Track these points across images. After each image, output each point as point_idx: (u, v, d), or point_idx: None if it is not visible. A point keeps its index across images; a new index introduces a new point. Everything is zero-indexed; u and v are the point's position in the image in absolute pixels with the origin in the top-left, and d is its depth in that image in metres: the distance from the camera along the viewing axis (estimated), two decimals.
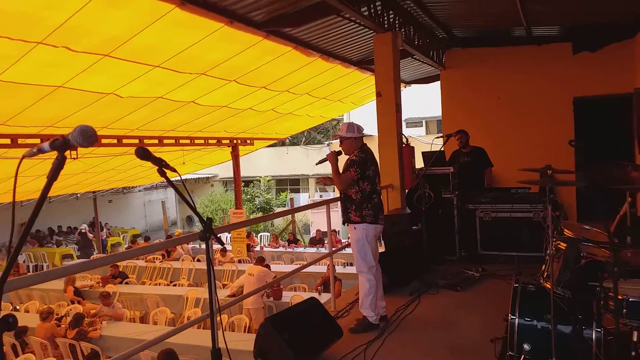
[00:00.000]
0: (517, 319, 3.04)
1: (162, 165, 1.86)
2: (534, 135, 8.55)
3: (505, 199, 6.12)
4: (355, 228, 4.12)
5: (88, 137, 1.30)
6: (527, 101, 8.87)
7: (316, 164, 4.82)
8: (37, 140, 8.43)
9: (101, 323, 7.55)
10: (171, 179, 2.02)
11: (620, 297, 2.60)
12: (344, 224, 4.31)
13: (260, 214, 22.12)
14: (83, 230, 17.97)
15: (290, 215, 18.19)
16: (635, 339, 2.64)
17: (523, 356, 2.96)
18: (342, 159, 4.28)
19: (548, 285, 2.99)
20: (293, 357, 3.19)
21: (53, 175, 1.28)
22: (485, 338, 3.71)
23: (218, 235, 2.12)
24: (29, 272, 14.55)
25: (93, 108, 7.67)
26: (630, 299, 2.61)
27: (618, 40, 8.13)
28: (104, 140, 9.45)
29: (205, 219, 2.02)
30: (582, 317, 2.88)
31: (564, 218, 6.52)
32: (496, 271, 5.52)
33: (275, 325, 3.29)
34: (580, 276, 2.92)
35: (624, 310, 2.59)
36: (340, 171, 4.22)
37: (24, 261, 16.43)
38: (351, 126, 4.21)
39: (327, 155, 4.36)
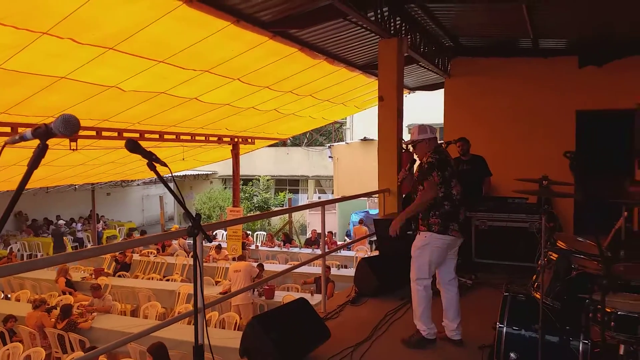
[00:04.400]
0: (505, 328, 3.03)
1: (152, 159, 1.86)
2: (535, 147, 8.55)
3: (502, 208, 6.12)
4: (419, 233, 3.79)
5: (70, 125, 1.29)
6: (530, 112, 8.88)
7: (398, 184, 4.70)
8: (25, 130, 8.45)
9: (92, 315, 7.54)
10: (162, 175, 2.02)
11: (608, 310, 2.59)
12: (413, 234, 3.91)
13: (257, 213, 22.12)
14: (59, 225, 18.00)
15: (287, 215, 18.20)
16: (621, 352, 2.63)
17: None
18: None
19: (538, 296, 2.98)
20: (279, 357, 3.18)
21: (34, 163, 1.27)
22: (474, 345, 3.71)
23: (211, 232, 2.12)
24: (22, 260, 14.55)
25: (95, 100, 7.67)
26: (618, 312, 2.60)
27: (624, 56, 8.14)
28: (104, 133, 9.46)
29: (194, 215, 2.02)
30: (570, 328, 2.87)
31: (559, 230, 6.51)
32: (489, 280, 5.51)
33: (262, 324, 3.28)
34: (570, 288, 2.91)
35: (612, 323, 2.58)
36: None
37: (18, 250, 16.43)
38: (423, 128, 3.87)
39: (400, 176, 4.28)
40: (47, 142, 1.29)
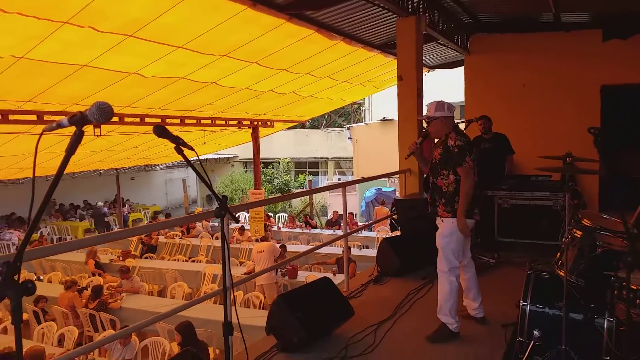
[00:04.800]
0: (528, 306, 3.05)
1: (179, 144, 1.91)
2: (559, 123, 8.39)
3: (525, 186, 6.06)
4: (443, 221, 3.58)
5: (105, 113, 1.34)
6: (553, 89, 8.68)
7: (406, 158, 4.37)
8: (62, 117, 8.62)
9: (121, 295, 7.78)
10: (189, 158, 2.08)
11: (634, 287, 2.58)
12: (433, 217, 3.72)
13: (278, 195, 22.29)
14: (99, 206, 18.53)
15: (307, 197, 18.29)
16: None
17: (533, 342, 2.97)
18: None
19: (562, 273, 2.98)
20: (304, 334, 3.26)
21: (71, 149, 1.33)
22: (497, 323, 3.73)
23: (235, 214, 2.17)
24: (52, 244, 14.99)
25: (116, 87, 7.79)
26: None
27: None
28: (127, 119, 9.61)
29: (220, 197, 2.07)
30: (595, 306, 2.87)
31: (583, 207, 6.43)
32: (512, 258, 5.50)
33: (287, 303, 3.35)
34: (595, 265, 2.90)
35: (638, 300, 2.58)
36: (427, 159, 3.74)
37: (48, 234, 16.94)
38: (440, 104, 3.62)
39: (410, 148, 3.80)
40: (82, 129, 1.34)
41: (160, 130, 1.87)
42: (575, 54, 8.45)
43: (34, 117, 8.22)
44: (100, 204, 19.53)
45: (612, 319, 2.85)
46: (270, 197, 18.58)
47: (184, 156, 1.95)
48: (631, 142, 7.40)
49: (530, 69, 8.84)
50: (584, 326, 2.89)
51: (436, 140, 3.77)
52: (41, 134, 1.41)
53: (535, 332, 2.99)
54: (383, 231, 12.67)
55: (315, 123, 26.01)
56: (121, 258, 10.81)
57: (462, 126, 6.41)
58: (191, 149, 1.95)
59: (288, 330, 3.33)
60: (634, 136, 7.48)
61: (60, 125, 1.38)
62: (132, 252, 11.56)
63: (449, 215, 3.53)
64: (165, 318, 2.98)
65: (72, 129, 1.37)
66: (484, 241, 6.15)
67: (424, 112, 3.73)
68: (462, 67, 9.93)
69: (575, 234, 3.02)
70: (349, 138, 21.10)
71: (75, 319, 7.48)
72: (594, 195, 8.02)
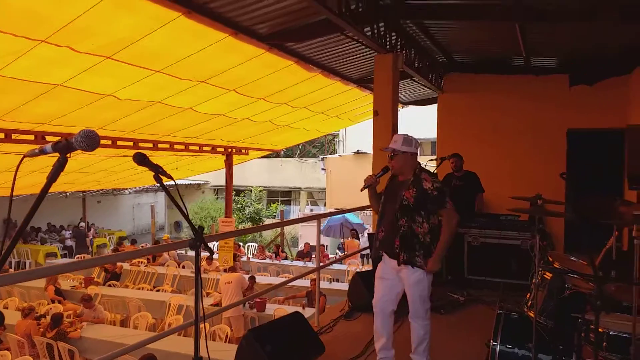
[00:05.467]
0: (498, 345, 3.06)
1: (158, 172, 1.89)
2: (526, 164, 8.64)
3: (495, 225, 6.18)
4: (415, 269, 3.38)
5: (92, 141, 1.32)
6: (523, 130, 8.97)
7: (361, 190, 3.77)
8: (32, 137, 8.40)
9: (81, 324, 7.46)
10: (165, 185, 2.04)
11: (601, 330, 2.63)
12: (400, 264, 3.40)
13: (249, 224, 22.06)
14: (81, 227, 18.14)
15: (279, 228, 18.15)
16: None
17: None
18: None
19: (531, 314, 3.01)
20: None
21: (53, 176, 1.30)
22: None
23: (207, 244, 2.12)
24: (10, 268, 14.37)
25: (90, 108, 7.67)
26: (610, 333, 2.63)
27: (615, 75, 8.27)
28: None
29: (197, 227, 2.04)
30: (563, 348, 2.90)
31: (551, 248, 6.58)
32: (481, 297, 5.55)
33: (257, 338, 3.28)
34: (564, 307, 2.95)
35: (604, 343, 2.62)
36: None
37: None
38: (408, 139, 3.41)
39: (366, 181, 3.57)
40: (67, 156, 1.32)
41: (141, 158, 1.85)
42: (543, 97, 8.79)
43: (2, 136, 7.99)
44: (83, 224, 19.49)
45: None
46: (241, 226, 18.40)
47: (162, 185, 1.93)
48: (594, 186, 7.66)
49: (501, 110, 9.13)
50: None
51: (398, 177, 3.51)
52: (22, 159, 1.38)
53: None
54: (354, 264, 12.64)
55: (289, 153, 26.09)
56: (83, 285, 10.42)
57: (434, 163, 6.55)
58: (170, 177, 1.93)
59: None
60: (597, 180, 7.75)
61: (43, 152, 1.36)
62: (95, 279, 11.17)
63: (422, 265, 3.35)
64: (131, 351, 2.86)
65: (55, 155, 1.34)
66: (454, 279, 6.20)
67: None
68: (435, 105, 10.20)
69: (545, 276, 3.07)
70: (322, 169, 21.22)
71: (31, 348, 7.12)
72: (560, 237, 8.23)
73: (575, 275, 2.94)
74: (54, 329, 7.07)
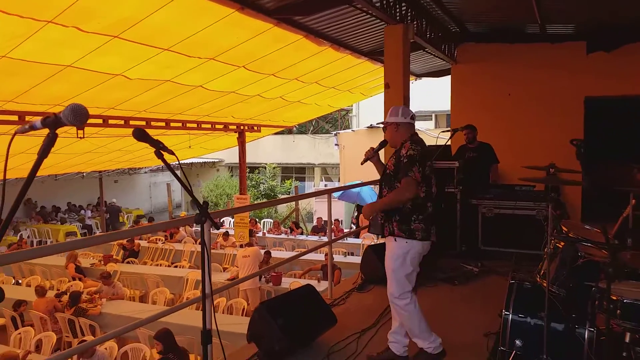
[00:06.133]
0: (510, 315, 3.05)
1: (159, 148, 1.88)
2: (543, 134, 8.48)
3: (509, 195, 6.10)
4: (396, 240, 3.20)
5: (79, 115, 1.30)
6: (537, 99, 8.79)
7: (361, 164, 3.75)
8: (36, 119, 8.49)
9: (101, 300, 7.65)
10: (170, 162, 2.04)
11: (615, 298, 2.59)
12: (383, 236, 3.32)
13: (264, 200, 22.17)
14: (114, 202, 18.87)
15: (294, 203, 18.21)
16: (627, 340, 2.63)
17: (514, 352, 2.97)
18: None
19: (544, 283, 2.99)
20: (286, 342, 3.22)
21: (43, 152, 1.29)
22: (479, 333, 3.73)
23: (219, 219, 2.13)
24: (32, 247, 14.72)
25: (101, 88, 7.69)
26: (624, 300, 2.59)
27: (632, 41, 8.02)
28: (111, 121, 9.49)
29: (201, 202, 2.04)
30: (576, 316, 2.87)
31: (566, 217, 6.49)
32: (495, 267, 5.52)
33: (269, 311, 3.31)
34: (577, 275, 2.91)
35: (618, 311, 2.58)
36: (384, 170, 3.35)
37: (28, 236, 16.65)
38: (395, 110, 3.33)
39: (366, 154, 3.52)
40: (56, 132, 1.30)
41: (140, 134, 1.84)
42: (559, 65, 8.57)
43: (15, 118, 8.07)
44: (114, 200, 20.14)
45: (592, 329, 2.85)
46: (255, 202, 18.51)
47: (164, 160, 1.92)
48: (613, 154, 7.49)
49: (516, 80, 8.94)
50: (565, 336, 2.90)
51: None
52: (13, 136, 1.37)
53: (517, 342, 2.99)
54: (369, 238, 12.67)
55: (302, 129, 26.00)
56: (102, 262, 10.65)
57: (447, 135, 6.46)
58: (172, 153, 1.91)
59: (269, 338, 3.28)
60: (616, 148, 7.58)
61: (33, 127, 1.35)
62: (114, 257, 11.40)
63: (403, 235, 3.17)
64: (143, 325, 2.92)
65: (47, 131, 1.33)
66: (468, 250, 6.18)
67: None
68: (449, 76, 10.01)
69: (557, 245, 3.03)
70: (335, 144, 21.11)
71: (54, 324, 7.33)
72: (576, 207, 8.11)
73: (588, 244, 2.89)
74: (73, 307, 7.26)
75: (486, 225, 6.15)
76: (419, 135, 3.42)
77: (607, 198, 3.83)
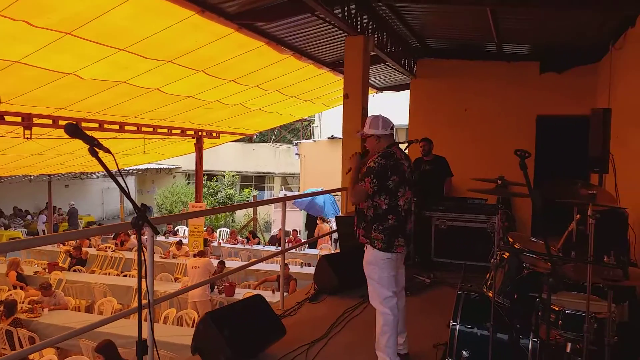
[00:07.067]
0: (458, 326, 3.06)
1: (93, 144, 1.77)
2: (496, 149, 8.69)
3: (462, 208, 6.22)
4: (366, 248, 3.37)
5: None
6: (492, 115, 9.06)
7: (347, 173, 3.74)
8: None
9: (42, 310, 7.26)
10: (110, 163, 1.93)
11: (556, 309, 2.64)
12: (359, 239, 3.47)
13: (215, 207, 21.77)
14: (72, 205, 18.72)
15: (251, 212, 17.98)
16: (568, 350, 2.68)
17: None
18: None
19: (490, 294, 3.01)
20: (231, 354, 3.11)
21: None
22: (429, 343, 3.73)
23: (172, 227, 2.03)
24: None
25: (52, 87, 7.39)
26: (566, 311, 2.65)
27: (583, 63, 8.40)
28: (61, 122, 9.11)
29: (139, 205, 1.94)
30: (520, 327, 2.91)
31: (514, 230, 6.66)
32: (447, 278, 5.58)
33: (215, 321, 3.20)
34: (521, 286, 2.95)
35: (560, 321, 2.63)
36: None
37: None
38: (375, 121, 3.36)
39: (350, 159, 3.58)
40: None
41: (73, 130, 1.73)
42: (514, 83, 8.88)
43: None
44: (72, 203, 19.73)
45: (536, 339, 2.90)
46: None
47: (99, 159, 1.81)
48: (561, 170, 7.77)
49: (472, 96, 9.18)
50: (510, 346, 2.92)
51: None
52: None
53: (464, 353, 3.00)
54: (326, 249, 12.64)
55: (264, 138, 25.83)
56: (47, 270, 10.14)
57: (403, 146, 6.52)
58: (108, 151, 1.82)
59: (215, 349, 3.17)
60: (564, 164, 7.86)
61: None
62: (60, 265, 10.88)
63: (367, 242, 3.33)
64: (79, 335, 2.75)
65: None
66: (421, 261, 6.24)
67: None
68: (409, 91, 10.17)
69: (503, 256, 3.07)
70: (296, 154, 21.08)
71: None
72: (527, 221, 8.35)
73: (532, 255, 2.95)
74: (9, 318, 6.86)
75: (439, 237, 6.23)
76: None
77: (555, 213, 3.93)
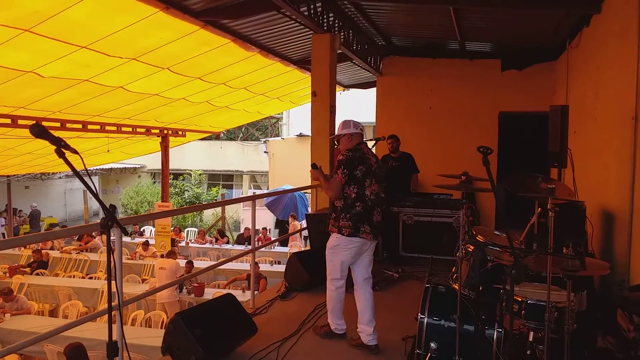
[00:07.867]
0: (426, 318, 3.14)
1: (60, 145, 1.75)
2: (461, 145, 8.90)
3: (428, 203, 6.35)
4: (330, 234, 3.73)
5: None
6: (457, 112, 9.27)
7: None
8: None
9: (3, 316, 7.03)
10: (78, 163, 1.90)
11: (519, 299, 2.74)
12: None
13: (182, 207, 21.48)
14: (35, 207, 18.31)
15: (220, 212, 17.82)
16: (531, 338, 2.79)
17: (430, 354, 3.06)
18: None
19: (456, 287, 3.11)
20: (202, 354, 3.10)
21: None
22: (398, 337, 3.81)
23: (138, 227, 2.01)
24: None
25: (9, 85, 7.15)
26: (528, 301, 2.75)
27: (542, 61, 8.68)
28: (20, 122, 8.82)
29: (108, 206, 1.92)
30: (485, 318, 3.01)
31: (477, 224, 6.85)
32: (415, 272, 5.70)
33: (185, 321, 3.18)
34: (486, 279, 3.06)
35: (523, 311, 2.73)
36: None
37: None
38: (347, 123, 3.76)
39: (311, 170, 3.87)
40: None
41: (39, 130, 1.70)
42: (477, 81, 9.10)
43: None
44: (34, 204, 19.12)
45: (500, 330, 3.00)
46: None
47: (66, 160, 1.78)
48: (523, 166, 8.02)
49: (437, 93, 9.37)
50: (476, 337, 3.02)
51: None
52: None
53: (432, 344, 3.09)
54: (296, 246, 12.65)
55: (231, 136, 25.59)
56: (8, 274, 9.81)
57: (370, 144, 6.61)
58: (75, 152, 1.79)
59: (185, 349, 3.15)
60: (526, 159, 8.13)
61: None
62: (22, 269, 10.52)
63: (335, 230, 3.65)
64: (46, 339, 2.69)
65: None
66: (389, 256, 6.34)
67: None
68: (375, 88, 10.29)
69: (468, 249, 3.17)
70: (264, 152, 20.99)
71: None
72: (491, 214, 8.59)
73: (495, 248, 3.05)
74: None
75: (406, 232, 6.36)
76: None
77: (517, 206, 4.07)
